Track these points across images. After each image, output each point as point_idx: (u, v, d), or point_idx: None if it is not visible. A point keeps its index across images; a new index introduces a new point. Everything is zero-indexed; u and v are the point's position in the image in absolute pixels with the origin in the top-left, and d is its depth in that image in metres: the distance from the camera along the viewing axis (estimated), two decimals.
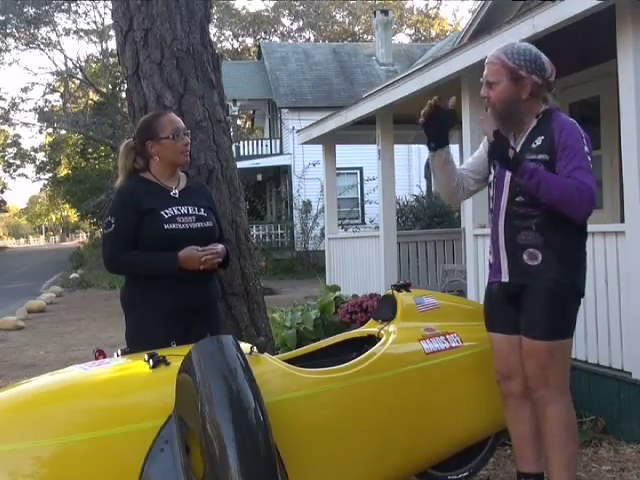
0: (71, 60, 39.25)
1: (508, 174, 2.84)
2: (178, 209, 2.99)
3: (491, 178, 2.98)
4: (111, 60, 33.11)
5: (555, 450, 2.77)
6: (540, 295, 2.75)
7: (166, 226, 2.93)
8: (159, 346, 2.53)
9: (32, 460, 2.08)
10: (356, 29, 41.79)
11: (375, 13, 26.65)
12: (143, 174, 3.07)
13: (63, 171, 41.81)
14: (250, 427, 2.11)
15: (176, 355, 2.34)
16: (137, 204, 2.94)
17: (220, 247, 3.02)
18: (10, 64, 44.46)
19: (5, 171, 44.16)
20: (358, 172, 21.84)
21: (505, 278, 2.86)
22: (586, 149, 2.72)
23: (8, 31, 31.84)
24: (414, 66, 14.87)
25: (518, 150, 2.82)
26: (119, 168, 3.13)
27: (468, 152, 5.43)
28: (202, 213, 3.05)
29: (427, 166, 22.61)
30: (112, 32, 16.84)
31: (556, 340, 2.75)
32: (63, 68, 36.03)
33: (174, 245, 2.90)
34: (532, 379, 2.80)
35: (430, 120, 2.85)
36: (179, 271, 2.89)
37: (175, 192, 3.05)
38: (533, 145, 2.79)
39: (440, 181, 3.09)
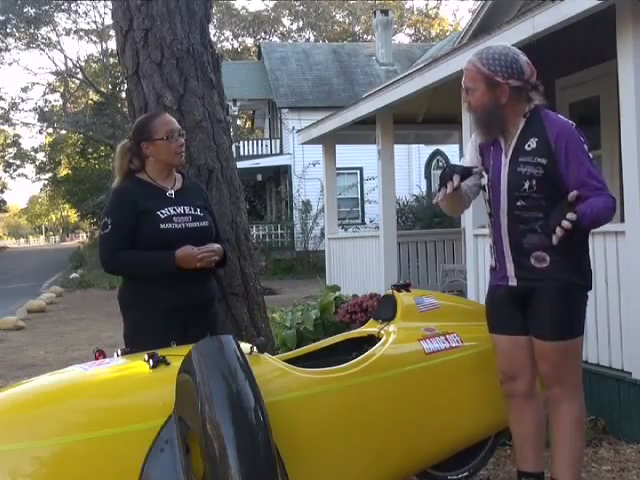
0: (71, 60, 39.39)
1: (504, 179, 2.79)
2: (174, 209, 3.00)
3: (485, 182, 2.93)
4: (111, 60, 33.12)
5: (563, 447, 2.78)
6: (550, 297, 2.73)
7: (162, 226, 2.94)
8: (158, 345, 2.53)
9: (32, 460, 2.08)
10: (356, 29, 41.79)
11: (375, 13, 26.65)
12: (139, 175, 3.08)
13: (63, 171, 41.82)
14: (250, 427, 2.11)
15: (176, 355, 2.34)
16: (133, 205, 2.95)
17: (216, 246, 3.04)
18: (10, 64, 44.46)
19: (5, 171, 44.18)
20: (358, 172, 21.84)
21: (512, 282, 2.83)
22: (586, 147, 2.71)
23: (8, 31, 31.85)
24: (414, 66, 14.86)
25: (511, 153, 2.79)
26: (115, 169, 3.15)
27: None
28: (198, 213, 3.06)
29: (427, 166, 22.67)
30: (112, 32, 16.84)
31: (568, 340, 2.75)
32: (63, 68, 36.12)
33: (170, 245, 2.91)
34: (547, 378, 2.81)
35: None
36: (176, 270, 2.90)
37: (171, 192, 3.06)
38: (527, 147, 2.75)
39: (454, 208, 3.08)
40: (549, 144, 2.70)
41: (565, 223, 2.49)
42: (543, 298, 2.75)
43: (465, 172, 2.76)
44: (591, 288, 2.85)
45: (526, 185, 2.73)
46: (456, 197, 2.88)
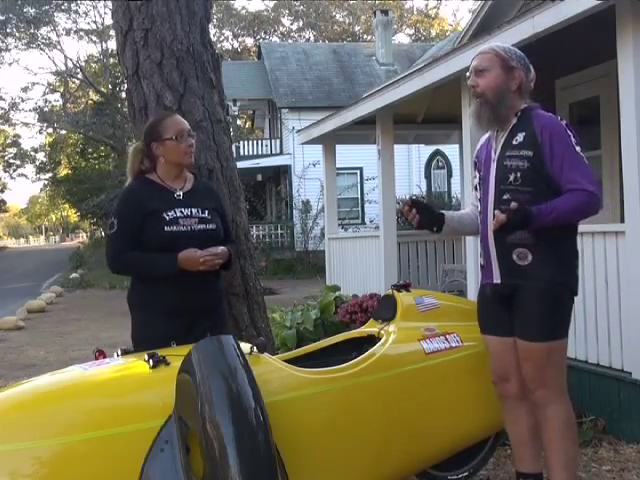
0: (71, 60, 39.42)
1: (493, 174, 2.83)
2: (181, 211, 3.00)
3: (476, 181, 2.96)
4: (111, 60, 33.14)
5: (555, 450, 2.76)
6: (533, 296, 2.73)
7: (167, 228, 2.95)
8: (162, 346, 2.54)
9: (32, 460, 2.08)
10: (356, 29, 41.80)
11: (375, 13, 26.67)
12: (149, 175, 3.09)
13: (63, 171, 41.82)
14: (250, 427, 2.11)
15: (176, 355, 2.34)
16: (140, 205, 2.97)
17: (221, 249, 3.02)
18: (10, 64, 44.42)
19: (5, 171, 44.21)
20: (358, 172, 21.86)
21: (497, 279, 2.84)
22: (573, 140, 2.70)
23: (8, 31, 31.87)
24: (414, 66, 14.86)
25: (500, 148, 2.82)
26: (127, 170, 3.17)
27: (468, 152, 5.43)
28: (206, 215, 3.06)
29: (427, 166, 22.69)
30: (112, 32, 16.84)
31: (552, 341, 2.73)
32: (63, 68, 36.17)
33: (175, 247, 2.91)
34: (530, 381, 2.79)
35: (420, 217, 2.88)
36: (179, 272, 2.90)
37: (179, 193, 3.07)
38: (514, 142, 2.78)
39: (468, 234, 3.17)
40: (535, 137, 2.72)
41: (494, 222, 2.65)
42: (525, 298, 2.74)
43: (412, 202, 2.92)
44: (577, 293, 2.82)
45: (511, 177, 2.75)
46: (465, 226, 3.07)
